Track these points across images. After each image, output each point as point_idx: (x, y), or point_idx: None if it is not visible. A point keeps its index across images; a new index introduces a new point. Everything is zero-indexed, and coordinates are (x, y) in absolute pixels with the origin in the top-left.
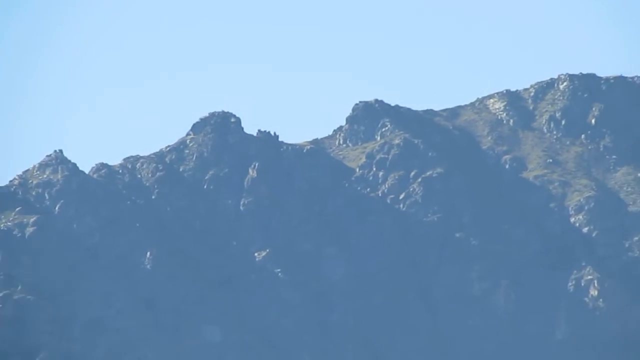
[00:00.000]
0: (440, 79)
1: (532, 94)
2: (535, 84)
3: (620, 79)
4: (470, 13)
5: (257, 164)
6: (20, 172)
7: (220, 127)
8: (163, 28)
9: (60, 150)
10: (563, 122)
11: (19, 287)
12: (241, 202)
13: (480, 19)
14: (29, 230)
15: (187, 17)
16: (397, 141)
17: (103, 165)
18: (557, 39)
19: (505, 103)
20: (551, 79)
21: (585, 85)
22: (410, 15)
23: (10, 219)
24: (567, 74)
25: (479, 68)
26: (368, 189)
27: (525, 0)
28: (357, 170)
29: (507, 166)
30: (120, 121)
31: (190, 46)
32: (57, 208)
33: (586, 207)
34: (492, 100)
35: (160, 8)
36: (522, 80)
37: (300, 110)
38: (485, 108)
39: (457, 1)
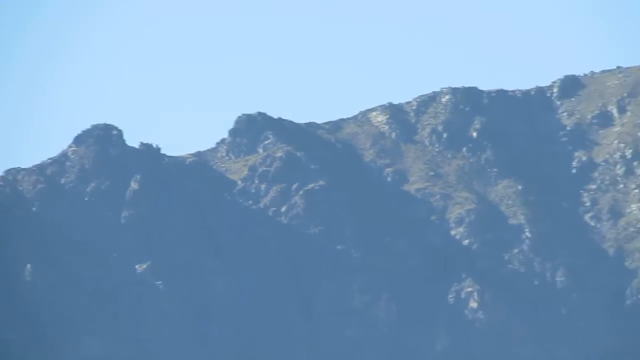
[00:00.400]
0: (323, 92)
1: (414, 107)
2: (418, 97)
3: (502, 93)
4: (353, 26)
5: (138, 177)
6: None
7: (102, 139)
8: (43, 40)
9: None
10: (445, 135)
11: None
12: (122, 215)
13: (362, 32)
14: None
15: (63, 29)
16: (279, 154)
17: None
18: (439, 53)
19: (387, 116)
20: (433, 92)
21: (467, 99)
22: (292, 28)
23: None
24: (449, 87)
25: (362, 81)
26: (250, 202)
27: (406, 14)
28: (239, 182)
29: (389, 179)
30: (0, 133)
31: (71, 58)
32: None
33: (467, 220)
34: (374, 114)
35: (29, 26)
36: (404, 94)
37: (183, 123)
38: (367, 121)
39: (339, 14)
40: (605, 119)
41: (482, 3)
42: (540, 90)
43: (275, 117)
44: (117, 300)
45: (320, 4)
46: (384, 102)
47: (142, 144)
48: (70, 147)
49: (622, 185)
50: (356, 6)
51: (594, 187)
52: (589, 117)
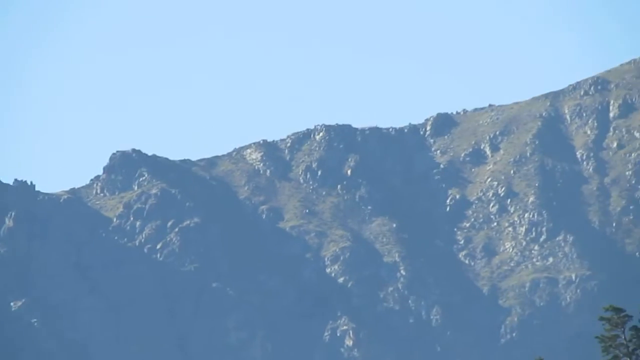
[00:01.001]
0: (198, 129)
1: (288, 144)
2: (292, 135)
3: (375, 130)
4: (227, 63)
5: (13, 213)
6: None
7: None
8: None
9: None
10: (319, 173)
11: None
12: None
13: (235, 70)
14: None
15: None
16: (154, 191)
17: None
18: (313, 91)
19: (262, 153)
20: (307, 129)
21: (341, 136)
22: (164, 64)
23: None
24: (323, 124)
25: (236, 118)
26: (125, 239)
27: (280, 53)
28: (115, 219)
29: (264, 216)
30: None
31: None
32: None
33: (342, 258)
34: (249, 151)
35: None
36: (278, 131)
37: (57, 159)
38: (242, 158)
39: (211, 51)
40: (478, 157)
41: (355, 43)
42: (413, 128)
43: (150, 154)
44: None
45: (190, 43)
46: (258, 139)
47: (16, 180)
48: None
49: (495, 224)
50: (229, 45)
51: (467, 225)
52: (462, 155)
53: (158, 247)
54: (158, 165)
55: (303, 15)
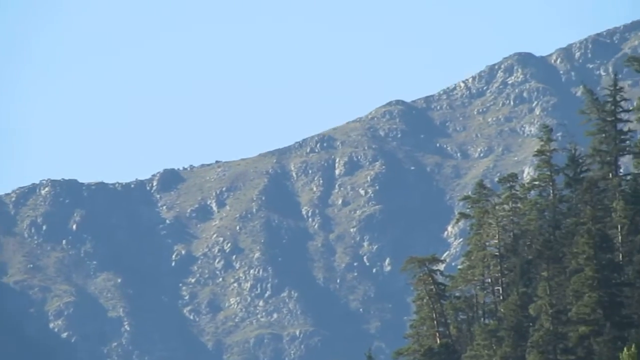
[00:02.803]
0: None
1: (13, 199)
2: (17, 189)
3: (101, 185)
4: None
5: None
6: None
7: None
8: None
9: None
10: (44, 227)
11: None
12: None
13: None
14: None
15: None
16: None
17: None
18: (38, 146)
19: None
20: (33, 184)
21: (67, 191)
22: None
23: None
24: (49, 179)
25: None
26: None
27: (70, 108)
28: None
29: None
30: None
31: None
32: None
33: (66, 313)
34: None
35: None
36: (3, 185)
37: None
38: None
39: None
40: (204, 213)
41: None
42: (140, 184)
43: None
44: None
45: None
46: None
47: None
48: None
49: (221, 279)
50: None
51: (193, 280)
52: (189, 210)
53: None
54: None
55: (44, 69)
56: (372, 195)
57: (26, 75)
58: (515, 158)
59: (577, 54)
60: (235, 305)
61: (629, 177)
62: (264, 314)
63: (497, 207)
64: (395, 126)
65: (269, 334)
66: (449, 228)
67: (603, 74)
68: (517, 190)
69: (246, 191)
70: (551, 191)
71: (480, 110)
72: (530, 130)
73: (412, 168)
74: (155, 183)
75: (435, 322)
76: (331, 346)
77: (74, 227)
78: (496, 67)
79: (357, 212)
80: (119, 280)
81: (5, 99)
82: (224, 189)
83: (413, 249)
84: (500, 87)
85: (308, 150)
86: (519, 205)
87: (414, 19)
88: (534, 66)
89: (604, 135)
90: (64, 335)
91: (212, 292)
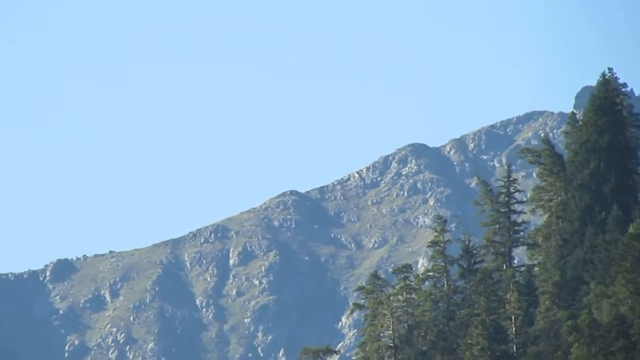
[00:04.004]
0: None
1: None
2: None
3: None
4: None
5: None
6: None
7: None
8: None
9: None
10: None
11: None
12: None
13: None
14: None
15: None
16: None
17: None
18: None
19: None
20: None
21: None
22: None
23: None
24: None
25: None
26: None
27: None
28: None
29: None
30: None
31: None
32: None
33: None
34: None
35: None
36: None
37: None
38: None
39: None
40: (98, 303)
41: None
42: (33, 274)
43: None
44: None
45: None
46: None
47: None
48: None
49: None
50: None
51: None
52: (82, 300)
53: None
54: None
55: None
56: (266, 285)
57: None
58: (410, 249)
59: (471, 145)
60: None
61: (522, 269)
62: None
63: (391, 298)
64: (290, 216)
65: None
66: (343, 319)
67: (497, 165)
68: (411, 281)
69: (140, 281)
70: (445, 282)
71: (375, 200)
72: (424, 221)
73: (307, 258)
74: (48, 273)
75: None
76: None
77: None
78: (390, 157)
79: (252, 302)
80: None
81: None
82: (117, 279)
83: (307, 339)
84: (394, 177)
85: (202, 240)
86: (413, 295)
87: (307, 109)
88: (427, 157)
89: (497, 226)
90: None
91: None
